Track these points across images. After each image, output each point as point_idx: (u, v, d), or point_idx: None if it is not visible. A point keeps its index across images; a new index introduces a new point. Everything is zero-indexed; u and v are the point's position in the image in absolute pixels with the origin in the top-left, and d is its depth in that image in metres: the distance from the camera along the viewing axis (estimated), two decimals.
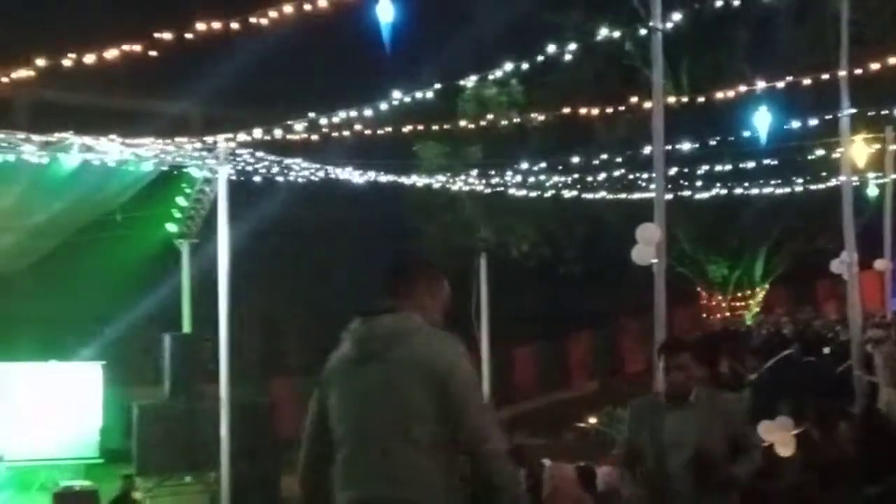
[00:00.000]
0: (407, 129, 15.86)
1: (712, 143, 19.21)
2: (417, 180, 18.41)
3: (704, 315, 28.13)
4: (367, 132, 15.56)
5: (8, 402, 16.08)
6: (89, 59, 10.55)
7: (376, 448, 4.55)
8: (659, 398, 6.75)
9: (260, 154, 16.34)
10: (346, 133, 15.38)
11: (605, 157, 18.68)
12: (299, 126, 14.74)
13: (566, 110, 15.74)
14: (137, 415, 16.31)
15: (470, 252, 20.79)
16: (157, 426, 16.21)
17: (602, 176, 19.67)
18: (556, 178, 19.52)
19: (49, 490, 15.21)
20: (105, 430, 16.72)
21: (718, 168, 20.66)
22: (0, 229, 15.42)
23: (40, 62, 10.99)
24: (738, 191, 22.44)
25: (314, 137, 15.38)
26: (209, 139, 15.49)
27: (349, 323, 4.81)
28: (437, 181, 18.91)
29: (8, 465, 15.74)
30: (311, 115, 14.66)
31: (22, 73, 11.14)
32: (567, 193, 20.49)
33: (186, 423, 16.24)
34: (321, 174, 17.34)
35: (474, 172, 18.55)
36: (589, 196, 21.16)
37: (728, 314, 27.24)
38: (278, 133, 14.84)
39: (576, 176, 19.33)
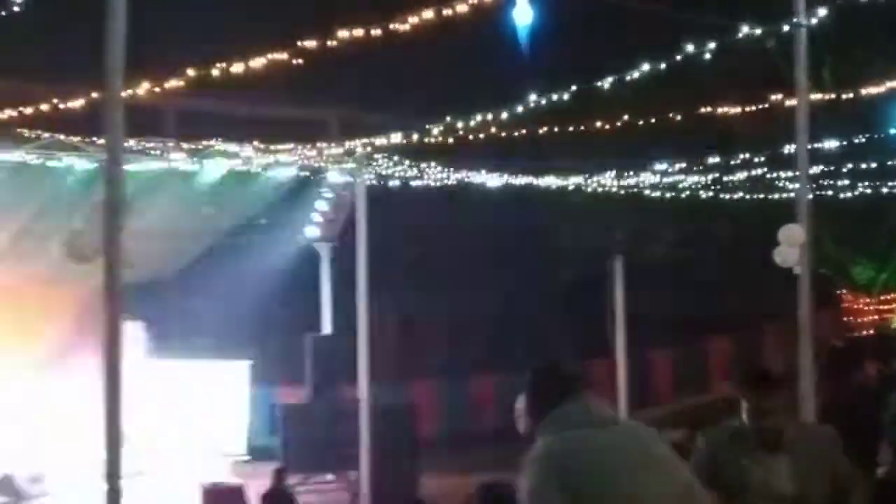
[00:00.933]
0: (542, 130, 15.80)
1: (857, 140, 18.57)
2: (552, 182, 18.34)
3: (848, 318, 27.21)
4: (503, 135, 15.57)
5: (160, 399, 16.66)
6: (237, 68, 10.81)
7: None
8: (743, 436, 5.45)
9: (397, 158, 16.57)
10: (481, 136, 15.42)
11: (745, 156, 18.25)
12: (436, 130, 14.85)
13: (705, 109, 15.46)
14: (282, 414, 16.71)
15: (605, 254, 20.60)
16: (301, 425, 16.58)
17: (741, 175, 19.24)
18: (693, 178, 19.19)
19: (198, 485, 15.69)
20: (251, 428, 17.15)
21: (864, 166, 19.97)
22: (150, 235, 15.95)
23: (190, 72, 11.32)
24: (885, 189, 21.65)
25: (450, 141, 15.48)
26: (348, 144, 15.78)
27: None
28: (572, 183, 18.80)
29: (160, 460, 16.26)
30: (448, 118, 14.76)
31: (172, 84, 11.48)
32: (704, 194, 20.12)
33: (328, 423, 16.56)
34: (457, 177, 17.46)
35: (610, 174, 18.37)
36: (727, 196, 20.74)
37: (875, 317, 26.27)
38: (415, 137, 14.99)
39: (714, 175, 18.96)
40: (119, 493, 7.50)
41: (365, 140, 15.67)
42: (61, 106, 12.25)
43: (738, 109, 16.09)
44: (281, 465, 15.07)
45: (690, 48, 12.23)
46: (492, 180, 17.80)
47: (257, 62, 11.25)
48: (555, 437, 4.60)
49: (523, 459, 4.69)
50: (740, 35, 11.87)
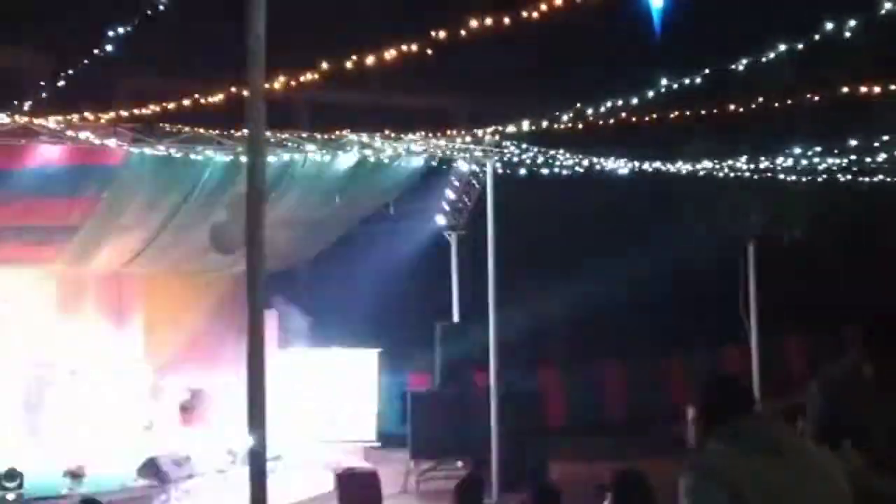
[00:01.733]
0: (674, 115, 15.51)
1: None
2: (683, 167, 18.01)
3: None
4: (633, 120, 15.35)
5: (295, 386, 17.04)
6: (370, 60, 10.93)
7: None
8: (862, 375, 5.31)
9: (525, 146, 16.52)
10: (611, 121, 15.24)
11: (885, 137, 17.57)
12: (565, 116, 14.74)
13: (845, 90, 14.94)
14: (411, 401, 16.87)
15: (738, 239, 20.17)
16: (430, 412, 16.71)
17: (881, 157, 18.52)
18: (830, 161, 18.57)
19: (332, 470, 15.99)
20: (381, 415, 17.39)
21: None
22: (285, 224, 16.31)
23: (324, 65, 11.49)
24: None
25: (579, 127, 15.34)
26: (477, 132, 15.80)
27: None
28: (703, 168, 18.43)
29: (295, 446, 16.65)
30: (577, 104, 14.63)
31: (307, 77, 11.67)
32: (842, 177, 19.45)
33: (457, 410, 16.66)
34: (585, 164, 17.31)
35: (743, 158, 17.93)
36: (866, 179, 20.00)
37: None
38: (544, 124, 14.90)
39: (853, 157, 18.30)
40: (264, 475, 7.67)
41: (494, 128, 15.67)
42: (202, 101, 12.57)
43: (879, 89, 15.49)
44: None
45: (830, 26, 11.85)
46: (621, 166, 17.59)
47: (389, 53, 11.35)
48: (724, 451, 4.53)
49: (687, 464, 4.62)
50: (882, 11, 11.41)
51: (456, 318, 18.25)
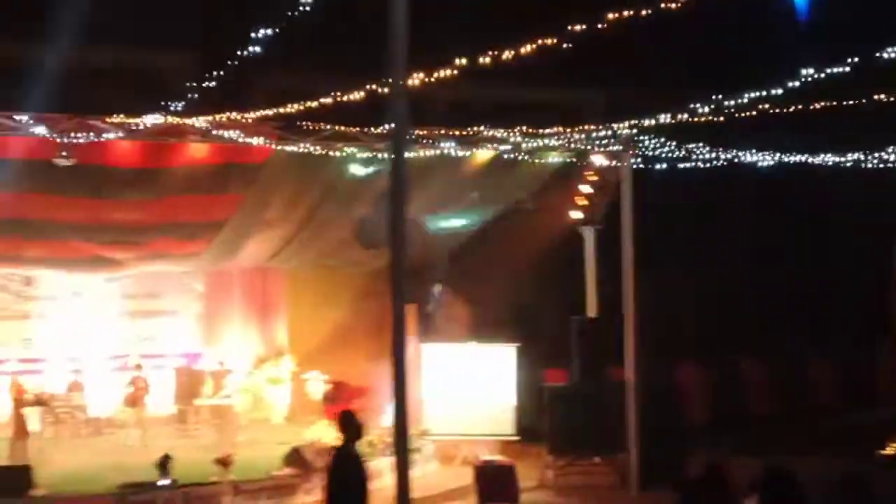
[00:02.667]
0: (817, 105, 15.04)
1: None
2: (829, 159, 17.46)
3: None
4: (775, 111, 14.94)
5: (435, 381, 17.19)
6: (507, 55, 10.93)
7: None
8: None
9: (663, 139, 16.27)
10: (752, 113, 14.86)
11: None
12: (705, 109, 14.44)
13: None
14: (548, 396, 16.81)
15: (886, 231, 19.47)
16: (567, 408, 16.61)
17: None
18: None
19: (470, 463, 16.08)
20: (518, 410, 17.38)
21: None
22: (421, 220, 16.49)
23: (461, 61, 11.55)
24: None
25: (720, 119, 15.03)
26: (614, 126, 15.64)
27: None
28: (848, 160, 17.84)
29: (434, 439, 16.82)
30: (717, 96, 14.32)
31: (445, 73, 11.74)
32: None
33: (594, 405, 16.53)
34: (726, 157, 16.95)
35: (893, 148, 17.27)
36: None
37: None
38: (683, 117, 14.65)
39: None
40: (408, 466, 7.77)
41: (631, 121, 15.49)
42: (342, 99, 12.80)
43: None
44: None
45: None
46: (763, 159, 17.15)
47: (526, 47, 11.34)
48: None
49: None
50: None
51: (592, 313, 18.12)
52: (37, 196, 15.40)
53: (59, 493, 13.44)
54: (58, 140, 13.54)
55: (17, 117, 13.40)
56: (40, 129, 13.50)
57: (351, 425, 9.12)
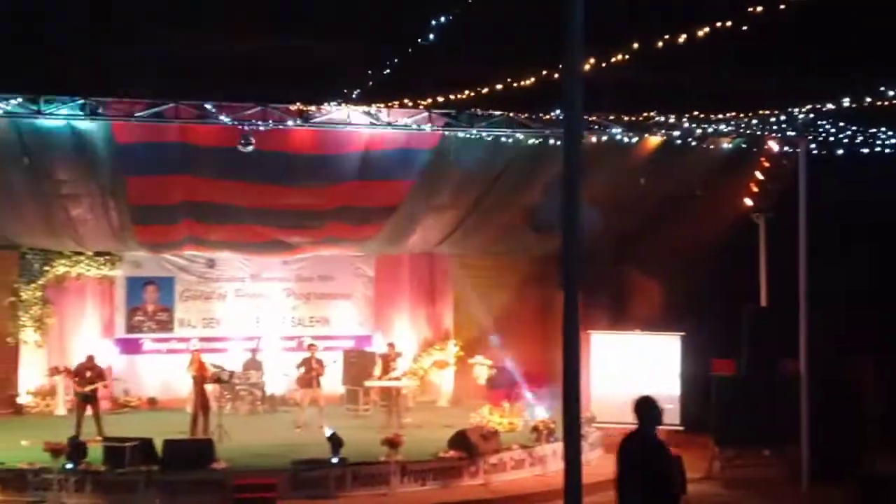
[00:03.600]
0: None
1: None
2: None
3: None
4: None
5: (600, 368, 17.02)
6: (680, 38, 10.64)
7: None
8: None
9: (842, 124, 15.56)
10: None
11: None
12: (891, 92, 13.71)
13: None
14: (715, 387, 16.39)
15: None
16: (735, 399, 16.17)
17: None
18: None
19: None
20: (684, 400, 17.03)
21: None
22: (589, 206, 16.26)
23: (634, 46, 11.32)
24: None
25: None
26: (791, 111, 15.05)
27: None
28: None
29: (599, 427, 16.64)
30: None
31: (618, 58, 11.54)
32: None
33: (764, 397, 16.03)
34: None
35: None
36: None
37: None
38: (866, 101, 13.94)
39: None
40: (579, 453, 7.67)
41: (809, 106, 14.87)
42: (513, 85, 12.75)
43: None
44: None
45: None
46: None
47: (702, 31, 11.03)
48: None
49: None
50: None
51: (763, 302, 17.57)
52: (221, 182, 16.06)
53: (237, 466, 13.92)
54: (240, 127, 14.02)
55: (206, 106, 13.93)
56: (225, 118, 13.99)
57: (648, 410, 8.95)
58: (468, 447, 14.59)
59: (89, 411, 16.03)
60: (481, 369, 20.19)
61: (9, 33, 13.76)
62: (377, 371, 18.46)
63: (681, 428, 16.96)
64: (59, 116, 14.02)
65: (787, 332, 15.79)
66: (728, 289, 18.17)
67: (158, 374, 20.41)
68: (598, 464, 15.79)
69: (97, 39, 14.23)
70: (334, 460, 13.82)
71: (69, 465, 13.28)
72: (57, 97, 13.80)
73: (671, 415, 16.90)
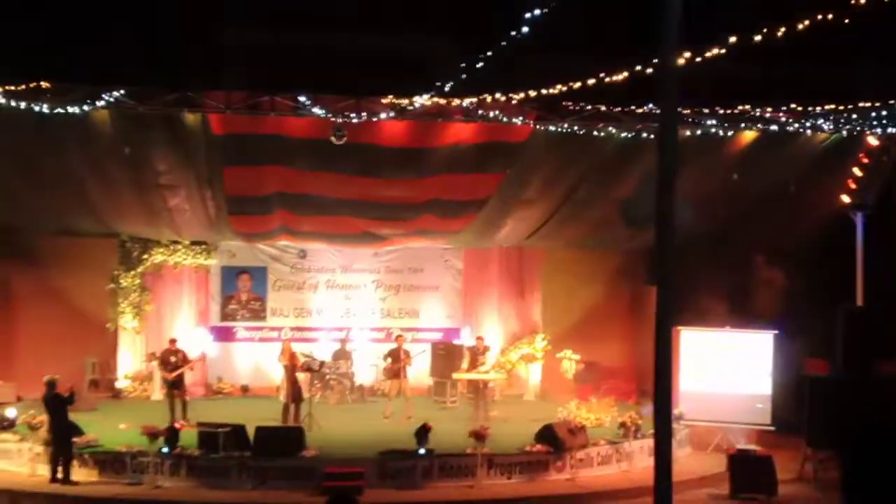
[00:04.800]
0: None
1: None
2: None
3: None
4: None
5: (689, 365, 16.74)
6: (780, 31, 10.39)
7: None
8: None
9: None
10: None
11: None
12: None
13: None
14: (810, 387, 16.00)
15: None
16: (830, 399, 15.75)
17: None
18: None
19: (724, 451, 15.58)
20: (775, 400, 16.66)
21: None
22: (680, 201, 16.01)
23: (731, 38, 11.10)
24: None
25: None
26: (892, 103, 14.59)
27: None
28: None
29: (688, 424, 16.38)
30: None
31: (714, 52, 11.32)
32: None
33: (860, 398, 15.58)
34: None
35: None
36: None
37: None
38: None
39: None
40: (669, 449, 7.60)
41: None
42: (605, 79, 12.60)
43: None
44: None
45: None
46: None
47: (801, 23, 10.75)
48: None
49: None
50: None
51: (859, 301, 17.09)
52: (314, 173, 16.22)
53: (327, 455, 14.05)
54: (333, 119, 14.13)
55: (300, 98, 14.08)
56: (319, 110, 14.13)
57: None
58: (555, 441, 14.50)
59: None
60: (569, 364, 20.06)
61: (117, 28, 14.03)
62: (465, 364, 18.47)
63: (772, 428, 16.61)
64: (158, 108, 14.31)
65: (884, 332, 15.34)
66: (823, 287, 17.72)
67: (251, 362, 20.73)
68: (686, 461, 15.60)
69: (193, 32, 14.46)
70: (421, 451, 13.87)
71: (165, 450, 13.59)
72: (156, 90, 14.09)
73: (762, 415, 16.56)
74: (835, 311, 16.40)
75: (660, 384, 7.60)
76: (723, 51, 11.37)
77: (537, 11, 10.65)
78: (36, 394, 14.94)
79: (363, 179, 16.27)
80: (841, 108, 14.75)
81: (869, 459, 5.66)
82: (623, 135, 15.11)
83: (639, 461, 14.78)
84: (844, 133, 15.80)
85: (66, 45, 13.37)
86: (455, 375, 18.87)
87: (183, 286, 20.49)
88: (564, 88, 13.27)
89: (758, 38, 10.92)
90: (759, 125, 15.21)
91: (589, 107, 14.52)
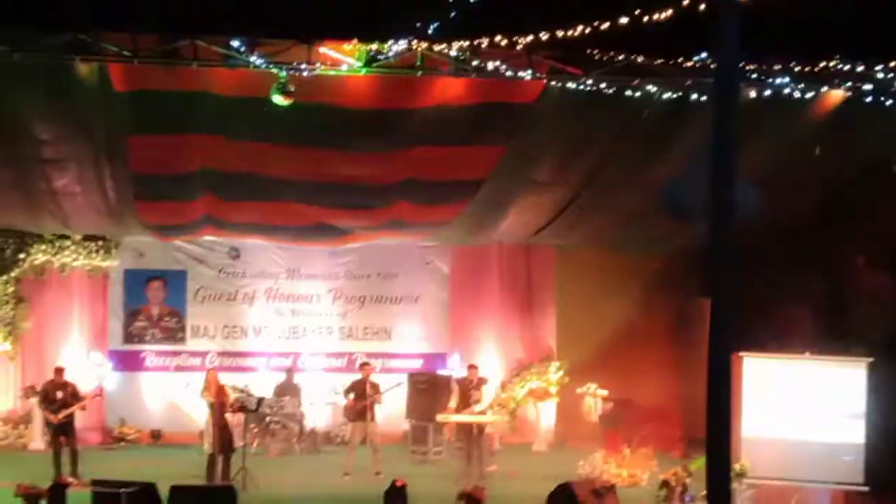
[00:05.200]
0: None
1: None
2: None
3: None
4: None
5: (755, 404, 16.74)
6: None
7: None
8: None
9: None
10: None
11: None
12: None
13: None
14: None
15: None
16: None
17: None
18: None
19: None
20: (871, 451, 16.77)
21: None
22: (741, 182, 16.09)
23: None
24: None
25: None
26: None
27: None
28: None
29: (753, 483, 16.41)
30: None
31: None
32: None
33: None
34: None
35: None
36: None
37: None
38: None
39: None
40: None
41: None
42: (643, 19, 12.58)
43: None
44: None
45: None
46: None
47: None
48: None
49: None
50: None
51: None
52: (250, 144, 16.13)
53: None
54: (276, 72, 14.09)
55: (232, 43, 13.99)
56: (257, 59, 14.07)
57: None
58: None
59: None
60: (593, 402, 20.13)
61: None
62: (453, 402, 18.51)
63: (865, 488, 16.73)
64: (39, 55, 14.18)
65: None
66: None
67: (164, 399, 20.75)
68: None
69: None
70: None
71: None
72: (37, 32, 13.96)
73: (853, 471, 16.68)
74: None
75: (714, 430, 7.64)
76: None
77: None
78: None
79: (317, 152, 16.26)
80: None
81: None
82: (666, 95, 15.14)
83: None
84: None
85: None
86: (440, 417, 18.93)
87: (73, 296, 20.52)
88: (588, 31, 13.26)
89: None
90: (848, 83, 15.28)
91: (621, 56, 14.53)
